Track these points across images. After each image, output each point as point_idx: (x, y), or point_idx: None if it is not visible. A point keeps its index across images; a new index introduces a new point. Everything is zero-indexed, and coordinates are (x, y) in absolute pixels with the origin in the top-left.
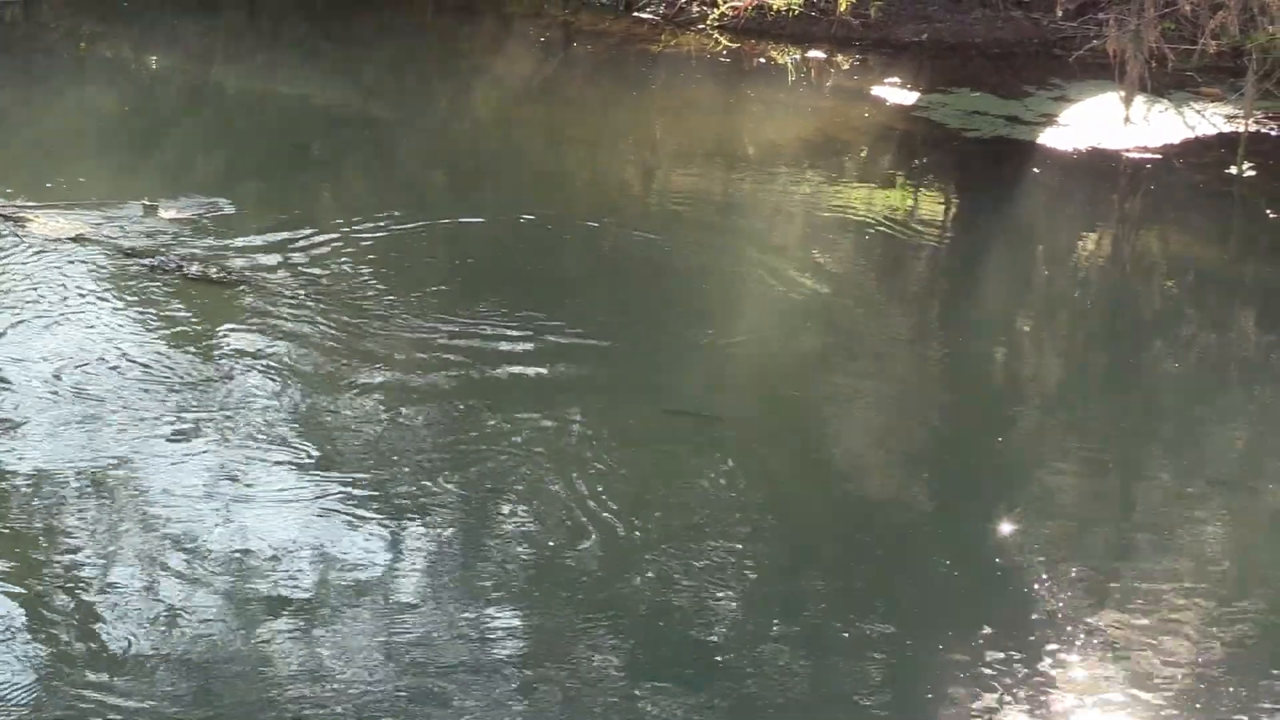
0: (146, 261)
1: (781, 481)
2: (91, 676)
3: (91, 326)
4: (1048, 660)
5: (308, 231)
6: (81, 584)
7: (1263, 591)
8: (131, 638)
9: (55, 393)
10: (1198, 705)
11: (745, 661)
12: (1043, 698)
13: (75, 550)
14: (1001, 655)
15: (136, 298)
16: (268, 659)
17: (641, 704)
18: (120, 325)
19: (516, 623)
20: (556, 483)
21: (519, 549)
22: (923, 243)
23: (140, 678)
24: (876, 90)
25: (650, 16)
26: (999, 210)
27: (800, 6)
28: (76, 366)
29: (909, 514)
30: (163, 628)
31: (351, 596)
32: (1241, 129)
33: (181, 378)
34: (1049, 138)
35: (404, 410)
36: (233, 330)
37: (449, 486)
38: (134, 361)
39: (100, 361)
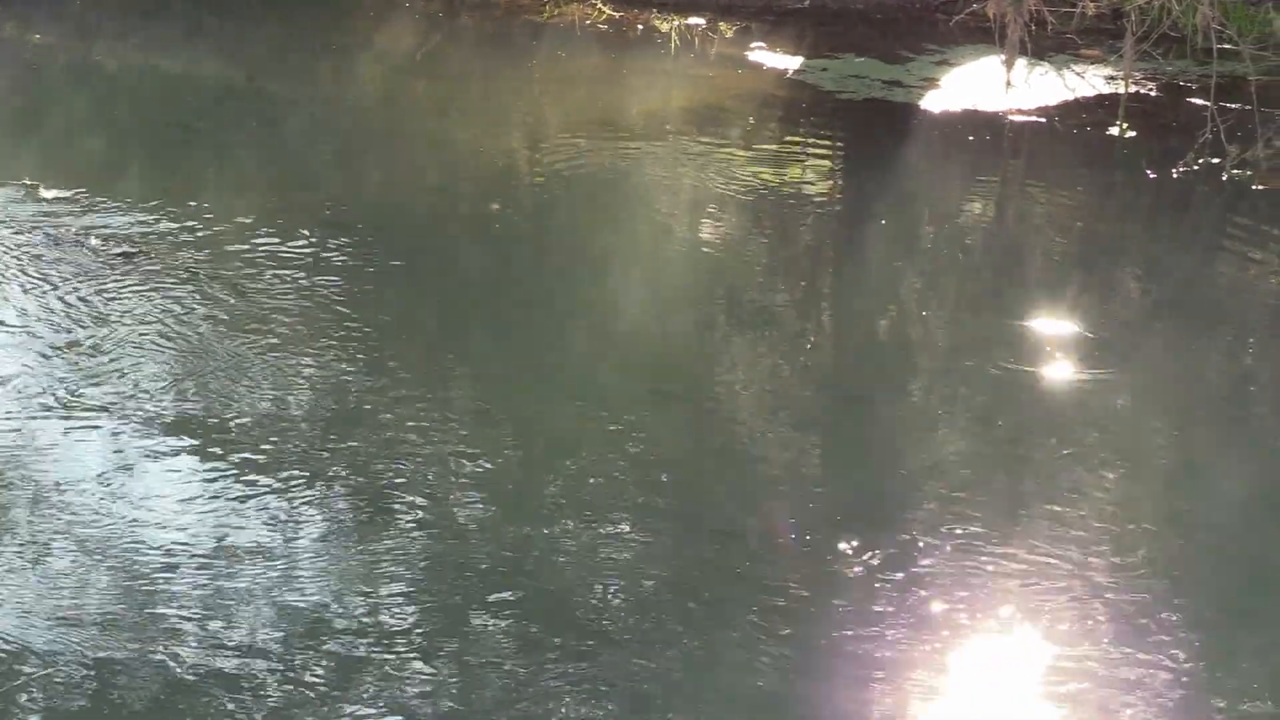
0: (31, 239)
1: (676, 453)
2: None
3: None
4: (939, 629)
5: (194, 208)
6: None
7: (1149, 542)
8: (17, 609)
9: None
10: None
11: (642, 637)
12: (943, 656)
13: None
14: (894, 623)
15: (24, 275)
16: (159, 630)
17: (538, 680)
18: (7, 302)
19: (413, 597)
20: (452, 458)
21: (414, 522)
22: (806, 208)
23: (27, 653)
24: (759, 58)
25: None
26: (883, 175)
27: None
28: None
29: (799, 483)
30: (51, 598)
31: (244, 572)
32: (1121, 90)
33: (72, 351)
34: (932, 102)
35: (295, 383)
36: (121, 306)
37: (343, 460)
38: (22, 336)
39: None
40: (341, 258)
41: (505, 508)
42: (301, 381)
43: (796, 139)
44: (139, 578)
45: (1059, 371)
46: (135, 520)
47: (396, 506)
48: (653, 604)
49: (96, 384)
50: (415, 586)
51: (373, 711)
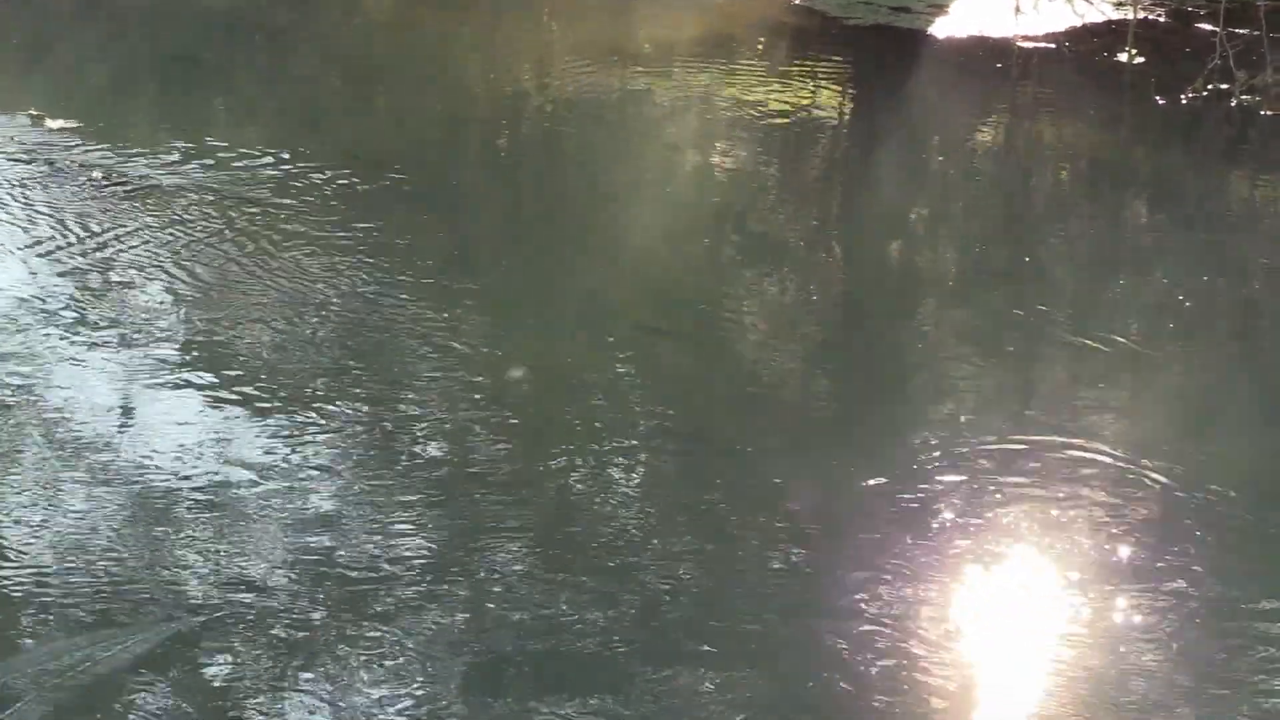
0: (35, 170)
1: (688, 382)
2: None
3: None
4: (948, 546)
5: (201, 139)
6: None
7: (1166, 457)
8: (30, 540)
9: None
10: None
11: (654, 561)
12: (942, 585)
13: None
14: (904, 543)
15: (30, 206)
16: (171, 561)
17: (551, 603)
18: (12, 234)
19: (424, 525)
20: (462, 388)
21: (424, 451)
22: (814, 135)
23: (40, 582)
24: None
25: None
26: (891, 103)
27: None
28: None
29: (812, 408)
30: (63, 530)
31: (254, 502)
32: (1130, 16)
33: (80, 281)
34: (940, 28)
35: (305, 314)
36: (131, 234)
37: (354, 387)
38: (31, 265)
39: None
40: (349, 188)
41: (515, 436)
42: (311, 313)
43: (805, 66)
44: (147, 507)
45: (1068, 296)
46: (143, 450)
47: (407, 436)
48: (665, 525)
49: (104, 313)
50: (426, 515)
51: (385, 642)
